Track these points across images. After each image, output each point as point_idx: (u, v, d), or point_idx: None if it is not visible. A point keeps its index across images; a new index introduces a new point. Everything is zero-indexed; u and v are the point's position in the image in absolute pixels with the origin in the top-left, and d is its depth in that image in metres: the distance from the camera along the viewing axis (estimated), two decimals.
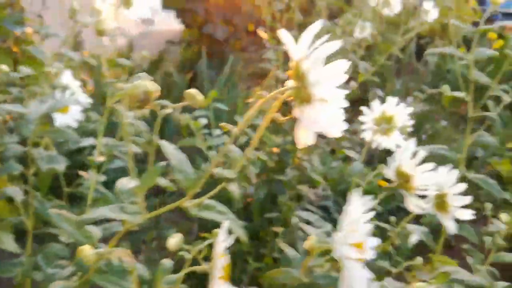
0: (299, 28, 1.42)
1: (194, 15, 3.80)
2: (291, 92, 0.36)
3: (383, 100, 0.83)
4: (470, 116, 0.88)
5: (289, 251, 0.54)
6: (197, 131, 0.92)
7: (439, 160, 0.63)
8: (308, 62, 0.34)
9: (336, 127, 0.35)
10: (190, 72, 3.82)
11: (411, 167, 0.58)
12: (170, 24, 5.61)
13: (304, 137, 0.36)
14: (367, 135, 0.83)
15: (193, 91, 0.43)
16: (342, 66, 0.34)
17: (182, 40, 4.96)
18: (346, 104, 0.37)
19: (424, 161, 0.59)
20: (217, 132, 1.01)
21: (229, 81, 3.15)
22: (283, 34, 0.33)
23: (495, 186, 0.81)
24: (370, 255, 0.45)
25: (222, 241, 0.39)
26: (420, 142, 0.70)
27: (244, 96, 2.47)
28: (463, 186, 0.61)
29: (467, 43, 3.76)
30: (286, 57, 1.32)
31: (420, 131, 2.48)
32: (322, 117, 0.34)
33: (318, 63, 0.33)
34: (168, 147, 0.44)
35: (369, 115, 0.82)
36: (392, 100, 0.81)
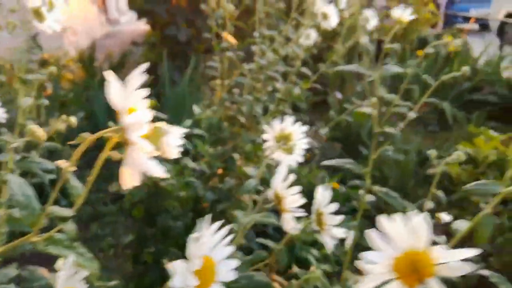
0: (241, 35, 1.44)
1: (156, 17, 3.76)
2: (116, 135, 0.36)
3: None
4: (374, 132, 0.91)
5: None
6: None
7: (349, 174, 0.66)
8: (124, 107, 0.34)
9: (158, 169, 0.35)
10: (152, 74, 3.77)
11: (282, 189, 0.61)
12: (136, 24, 5.53)
13: (128, 178, 0.35)
14: (269, 152, 0.84)
15: (33, 127, 0.43)
16: (144, 116, 0.35)
17: (146, 41, 4.90)
18: (179, 140, 0.37)
19: (335, 174, 0.61)
20: None
21: (191, 83, 3.14)
22: (110, 80, 0.33)
23: (397, 198, 0.85)
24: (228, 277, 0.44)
25: (63, 276, 0.39)
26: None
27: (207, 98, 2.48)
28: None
29: (425, 44, 3.89)
30: (231, 63, 1.33)
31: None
32: (141, 159, 0.34)
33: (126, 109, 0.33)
34: (15, 182, 0.43)
35: (270, 132, 0.84)
36: (289, 119, 0.83)
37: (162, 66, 3.05)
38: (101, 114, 2.68)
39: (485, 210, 0.66)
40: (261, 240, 0.77)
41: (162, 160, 0.36)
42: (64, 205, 0.42)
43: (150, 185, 0.98)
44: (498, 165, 1.85)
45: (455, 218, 1.76)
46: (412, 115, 0.93)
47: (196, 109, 1.18)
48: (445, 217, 0.96)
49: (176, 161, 1.11)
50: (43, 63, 4.41)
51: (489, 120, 3.35)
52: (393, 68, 0.95)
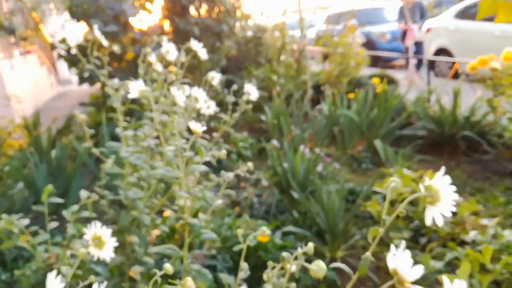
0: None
1: (97, 81, 3.87)
2: None
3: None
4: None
5: None
6: None
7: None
8: None
9: None
10: (96, 137, 3.84)
11: None
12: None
13: None
14: None
15: None
16: None
17: (91, 102, 4.97)
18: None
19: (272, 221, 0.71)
20: None
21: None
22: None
23: None
24: None
25: None
26: None
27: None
28: None
29: (359, 86, 4.18)
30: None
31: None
32: None
33: None
34: None
35: None
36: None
37: (101, 130, 3.13)
38: (42, 183, 2.70)
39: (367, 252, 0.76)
40: None
41: None
42: None
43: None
44: (413, 202, 2.01)
45: (376, 254, 1.89)
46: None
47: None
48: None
49: None
50: None
51: (420, 153, 3.59)
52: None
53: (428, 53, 7.42)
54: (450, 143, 3.60)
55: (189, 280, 0.66)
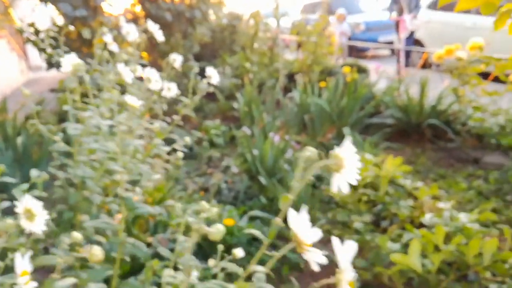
0: None
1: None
2: None
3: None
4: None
5: None
6: None
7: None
8: None
9: None
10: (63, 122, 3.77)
11: None
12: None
13: None
14: None
15: None
16: None
17: (60, 88, 4.88)
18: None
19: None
20: None
21: None
22: None
23: None
24: None
25: None
26: None
27: None
28: None
29: (331, 74, 4.21)
30: None
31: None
32: None
33: None
34: None
35: None
36: None
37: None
38: (8, 170, 2.65)
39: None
40: None
41: None
42: None
43: None
44: (374, 184, 2.06)
45: (339, 237, 1.94)
46: None
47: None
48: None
49: None
50: None
51: (388, 140, 3.66)
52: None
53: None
54: (417, 131, 3.69)
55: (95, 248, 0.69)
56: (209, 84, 1.52)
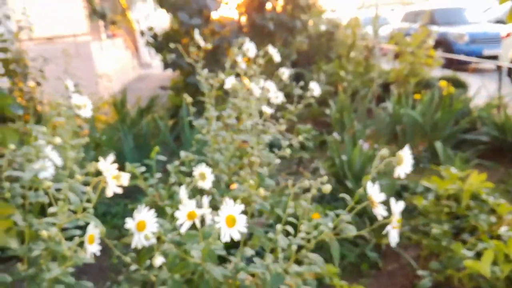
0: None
1: (178, 68, 4.27)
2: None
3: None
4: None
5: None
6: None
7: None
8: None
9: None
10: (176, 117, 4.26)
11: None
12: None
13: None
14: None
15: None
16: None
17: (171, 86, 5.40)
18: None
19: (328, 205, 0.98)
20: None
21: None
22: None
23: None
24: None
25: None
26: None
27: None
28: None
29: (427, 87, 4.39)
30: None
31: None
32: None
33: None
34: None
35: None
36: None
37: (182, 111, 3.50)
38: (129, 153, 3.13)
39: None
40: None
41: None
42: None
43: None
44: (458, 197, 2.16)
45: (417, 242, 2.09)
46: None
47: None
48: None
49: None
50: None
51: (481, 158, 3.64)
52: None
53: (506, 59, 7.18)
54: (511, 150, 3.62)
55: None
56: (311, 97, 1.75)
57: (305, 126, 4.45)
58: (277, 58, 1.76)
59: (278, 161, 1.60)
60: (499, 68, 5.63)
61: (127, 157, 3.11)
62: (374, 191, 0.99)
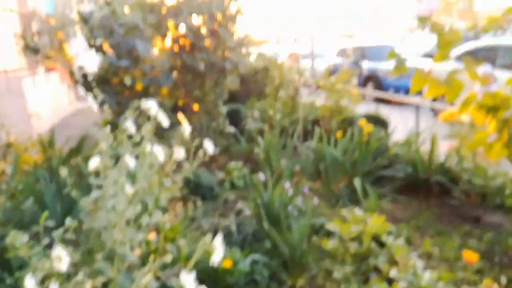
0: None
1: (109, 107, 4.29)
2: None
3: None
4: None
5: None
6: None
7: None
8: None
9: None
10: None
11: None
12: None
13: None
14: None
15: None
16: None
17: (103, 123, 5.35)
18: None
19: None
20: None
21: None
22: None
23: None
24: None
25: None
26: None
27: None
28: None
29: (351, 124, 4.61)
30: None
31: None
32: None
33: None
34: None
35: None
36: None
37: None
38: (50, 202, 3.06)
39: None
40: None
41: None
42: None
43: None
44: (360, 238, 2.32)
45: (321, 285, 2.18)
46: None
47: None
48: None
49: None
50: (8, 146, 4.83)
51: (398, 193, 3.88)
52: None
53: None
54: (425, 186, 3.89)
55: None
56: (204, 154, 1.79)
57: (236, 163, 4.55)
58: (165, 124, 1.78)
59: None
60: (417, 106, 6.07)
61: (48, 206, 3.06)
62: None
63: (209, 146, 1.72)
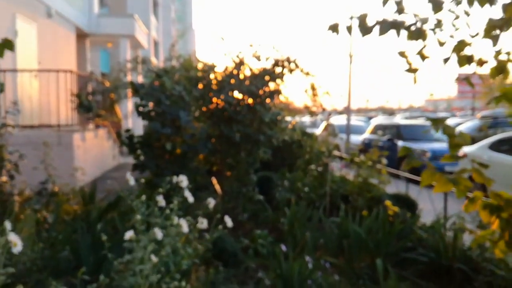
0: None
1: (148, 169, 4.61)
2: None
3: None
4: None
5: None
6: None
7: None
8: None
9: None
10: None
11: None
12: None
13: None
14: None
15: None
16: None
17: (144, 183, 5.67)
18: None
19: None
20: None
21: None
22: None
23: None
24: None
25: None
26: None
27: None
28: None
29: (379, 202, 4.73)
30: None
31: None
32: None
33: None
34: None
35: None
36: None
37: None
38: (84, 253, 3.30)
39: None
40: None
41: None
42: None
43: None
44: None
45: None
46: None
47: None
48: None
49: None
50: (52, 195, 5.19)
51: (419, 277, 3.88)
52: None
53: None
54: (448, 273, 3.87)
55: None
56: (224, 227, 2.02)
57: (262, 231, 4.68)
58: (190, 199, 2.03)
59: None
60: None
61: (82, 256, 3.29)
62: None
63: (228, 221, 1.93)
